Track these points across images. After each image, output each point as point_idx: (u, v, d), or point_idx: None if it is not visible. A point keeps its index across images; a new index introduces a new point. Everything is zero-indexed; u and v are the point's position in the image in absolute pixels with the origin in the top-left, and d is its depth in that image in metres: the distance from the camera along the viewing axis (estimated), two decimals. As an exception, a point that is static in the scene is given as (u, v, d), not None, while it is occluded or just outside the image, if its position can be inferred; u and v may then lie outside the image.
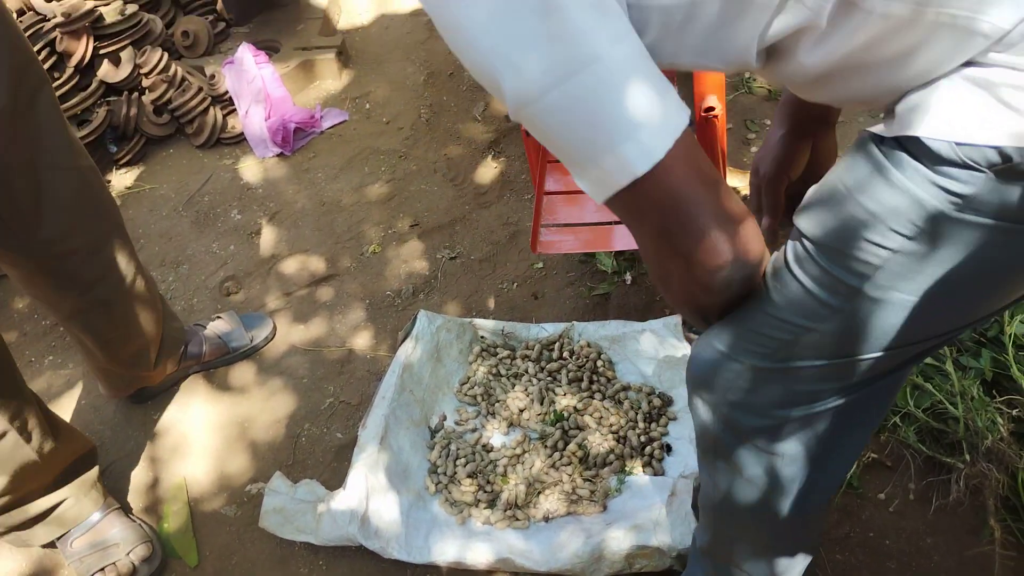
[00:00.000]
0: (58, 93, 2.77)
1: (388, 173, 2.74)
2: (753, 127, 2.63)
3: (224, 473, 2.01)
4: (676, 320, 1.93)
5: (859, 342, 0.86)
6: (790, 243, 0.87)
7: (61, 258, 1.69)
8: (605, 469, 1.80)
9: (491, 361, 2.02)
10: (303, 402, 2.13)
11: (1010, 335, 1.67)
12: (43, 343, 2.38)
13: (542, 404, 1.91)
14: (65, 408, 2.19)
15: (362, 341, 2.24)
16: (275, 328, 2.30)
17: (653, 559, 1.59)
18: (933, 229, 0.75)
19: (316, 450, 2.02)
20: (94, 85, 2.91)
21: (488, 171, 2.67)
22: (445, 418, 1.96)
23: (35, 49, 2.56)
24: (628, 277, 2.21)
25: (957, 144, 0.71)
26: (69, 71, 2.85)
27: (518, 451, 1.84)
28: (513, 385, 1.97)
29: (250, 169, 2.87)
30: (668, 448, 1.82)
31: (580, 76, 0.71)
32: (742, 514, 1.14)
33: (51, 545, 1.87)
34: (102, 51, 2.90)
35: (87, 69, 2.93)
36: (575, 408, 1.90)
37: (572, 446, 1.82)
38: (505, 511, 1.75)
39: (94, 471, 1.86)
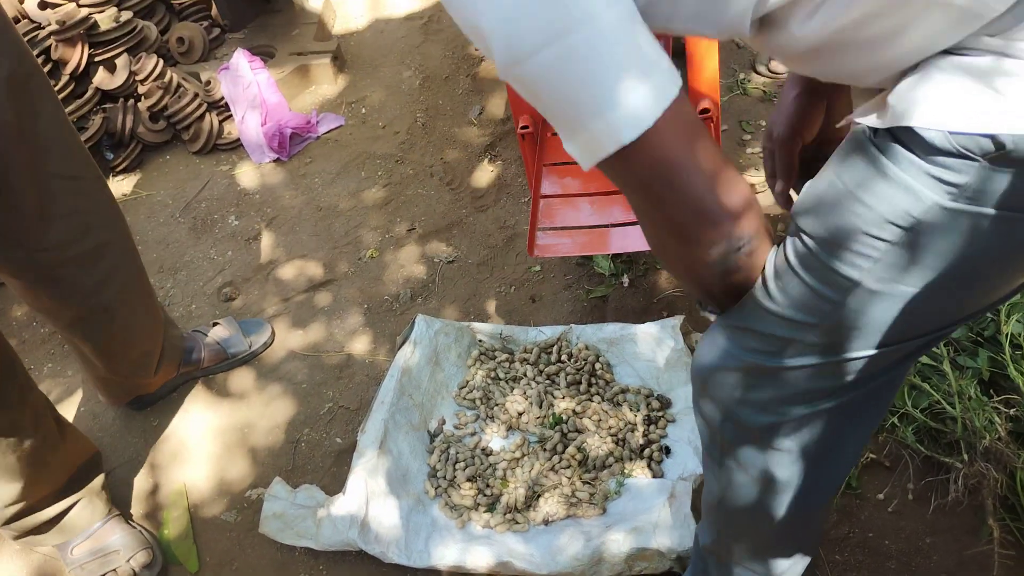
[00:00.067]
0: (54, 100, 2.76)
1: (385, 177, 2.75)
2: (748, 128, 2.64)
3: (224, 479, 2.01)
4: (674, 322, 1.93)
5: (861, 336, 0.86)
6: (789, 239, 0.87)
7: (63, 265, 1.69)
8: (604, 472, 1.80)
9: (490, 365, 2.02)
10: (302, 407, 2.13)
11: (1007, 334, 1.67)
12: (42, 351, 2.38)
13: (541, 407, 1.91)
14: (65, 415, 2.17)
15: (360, 346, 2.25)
16: (273, 334, 2.30)
17: (653, 561, 1.59)
18: (929, 220, 0.76)
19: (315, 455, 2.02)
20: (90, 92, 2.91)
21: (485, 175, 2.67)
22: (444, 422, 1.96)
23: (31, 57, 2.56)
24: (625, 279, 2.21)
25: (951, 133, 0.72)
26: (64, 78, 2.85)
27: (517, 454, 1.84)
28: (512, 388, 1.97)
29: (247, 175, 2.87)
30: (667, 450, 1.82)
31: (571, 36, 0.70)
32: (745, 512, 1.15)
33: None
34: (97, 58, 2.91)
35: (82, 76, 2.93)
36: (574, 411, 1.90)
37: (571, 449, 1.82)
38: (505, 514, 1.75)
39: (100, 478, 1.87)
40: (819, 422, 0.99)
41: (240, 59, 2.95)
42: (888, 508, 1.70)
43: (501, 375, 2.00)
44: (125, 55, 2.94)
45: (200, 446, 2.09)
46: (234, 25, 3.30)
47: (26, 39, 2.76)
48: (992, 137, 0.70)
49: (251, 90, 2.91)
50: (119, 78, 2.92)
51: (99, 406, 2.19)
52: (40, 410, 1.70)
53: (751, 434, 1.03)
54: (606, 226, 1.97)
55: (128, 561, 1.81)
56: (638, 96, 0.72)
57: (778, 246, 0.91)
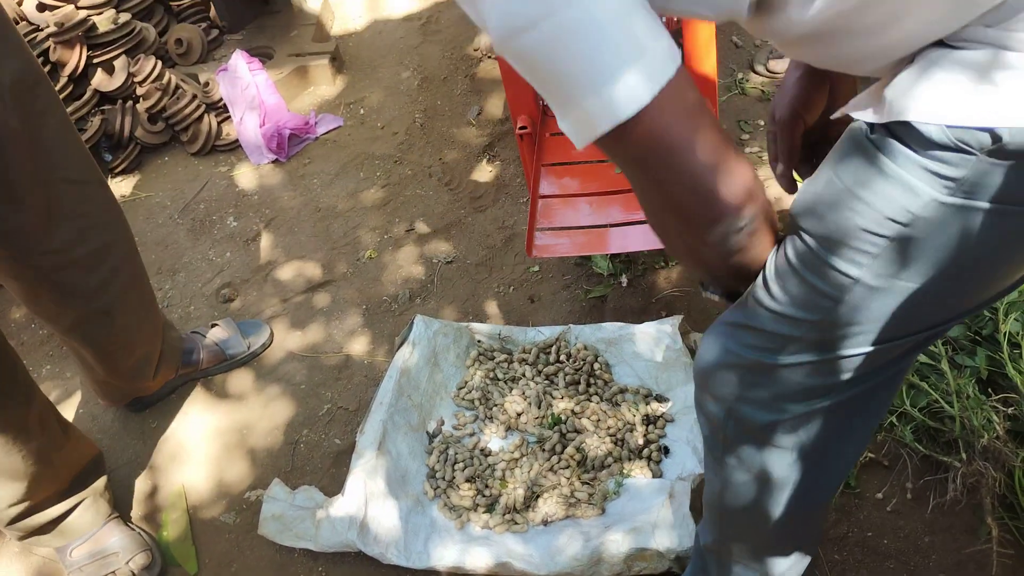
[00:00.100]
0: (52, 102, 2.76)
1: (383, 178, 2.75)
2: (747, 128, 2.64)
3: (223, 480, 2.01)
4: (672, 322, 1.93)
5: (861, 333, 0.87)
6: (788, 238, 0.88)
7: (65, 268, 1.70)
8: (603, 472, 1.80)
9: (488, 365, 2.02)
10: (301, 408, 2.13)
11: (1005, 333, 1.67)
12: (40, 352, 2.38)
13: (540, 408, 1.91)
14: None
15: (359, 347, 2.25)
16: (272, 335, 2.30)
17: (652, 562, 1.59)
18: (927, 216, 0.76)
19: (314, 456, 2.02)
20: (88, 94, 2.91)
21: (483, 175, 2.67)
22: (443, 423, 1.96)
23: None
24: (624, 279, 2.21)
25: (948, 127, 0.72)
26: (63, 80, 2.85)
27: (516, 455, 1.84)
28: (510, 389, 1.97)
29: (245, 176, 2.87)
30: (666, 450, 1.82)
31: (568, 11, 0.69)
32: (746, 511, 1.15)
33: None
34: (95, 60, 2.91)
35: (81, 78, 2.93)
36: (572, 411, 1.90)
37: (570, 449, 1.82)
38: (504, 515, 1.75)
39: (103, 479, 1.87)
40: (820, 420, 0.99)
41: (238, 60, 2.95)
42: (887, 507, 1.70)
43: (500, 375, 2.00)
44: (123, 57, 2.94)
45: (199, 448, 2.09)
46: (232, 26, 3.30)
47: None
48: (989, 130, 0.70)
49: (249, 91, 2.91)
50: (117, 80, 2.92)
51: (98, 408, 2.19)
52: (44, 411, 1.71)
53: (752, 432, 1.03)
54: (604, 226, 1.97)
55: (127, 563, 1.82)
56: (634, 73, 0.71)
57: (778, 245, 0.91)
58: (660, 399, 1.90)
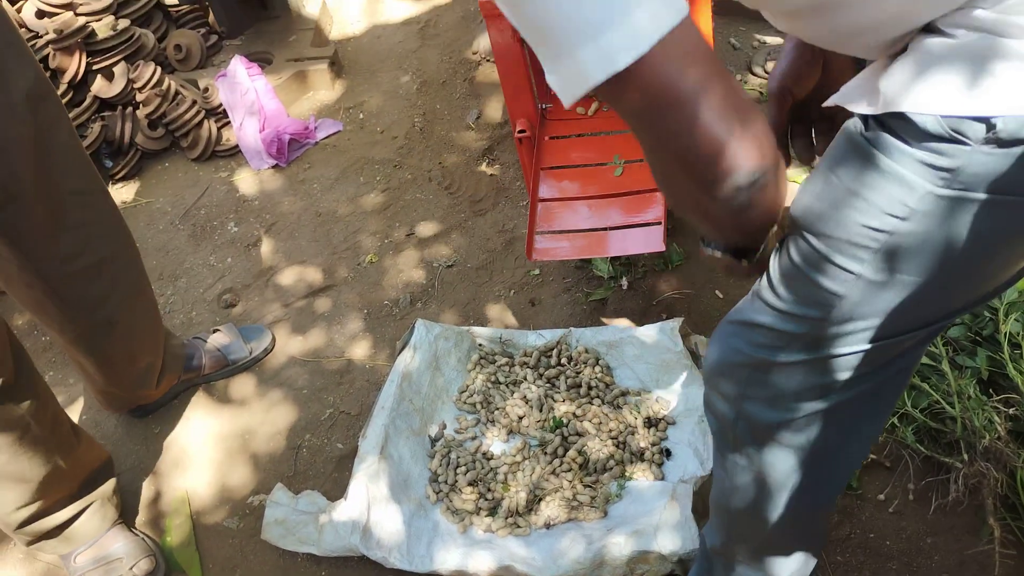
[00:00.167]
0: (52, 109, 2.77)
1: (383, 182, 2.75)
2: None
3: (226, 486, 2.02)
4: (673, 324, 1.93)
5: (865, 328, 0.88)
6: (791, 238, 0.89)
7: (71, 278, 1.72)
8: (605, 475, 1.80)
9: (489, 369, 2.03)
10: (303, 413, 2.13)
11: (1005, 333, 1.67)
12: (43, 359, 2.39)
13: (541, 411, 1.92)
14: (65, 424, 2.19)
15: (361, 351, 2.25)
16: (274, 340, 2.30)
17: (654, 564, 1.59)
18: (924, 209, 0.77)
19: (317, 461, 2.02)
20: (88, 101, 2.92)
21: (483, 179, 2.68)
22: (445, 427, 1.96)
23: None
24: (624, 282, 2.22)
25: (943, 117, 0.72)
26: (63, 87, 2.85)
27: (518, 458, 1.85)
28: (512, 392, 1.98)
29: (246, 181, 2.88)
30: (667, 452, 1.82)
31: None
32: (756, 510, 1.15)
33: None
34: (95, 67, 2.91)
35: (80, 85, 2.93)
36: (574, 414, 1.90)
37: (572, 452, 1.82)
38: (506, 518, 1.76)
39: (112, 482, 1.88)
40: (826, 419, 1.00)
41: (238, 66, 2.95)
42: (889, 508, 1.70)
43: (501, 379, 2.00)
44: (123, 63, 2.95)
45: (202, 453, 2.09)
46: (231, 32, 3.30)
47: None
48: (983, 119, 0.71)
49: (249, 96, 2.91)
50: (117, 86, 2.92)
51: (101, 414, 2.19)
52: (56, 414, 1.73)
53: (761, 431, 1.04)
54: (604, 229, 1.97)
55: (131, 569, 1.82)
56: (635, 19, 0.68)
57: (780, 246, 0.92)
58: (661, 401, 1.90)
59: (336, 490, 1.93)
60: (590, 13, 0.68)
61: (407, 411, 1.92)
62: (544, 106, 2.22)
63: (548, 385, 1.98)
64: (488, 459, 1.87)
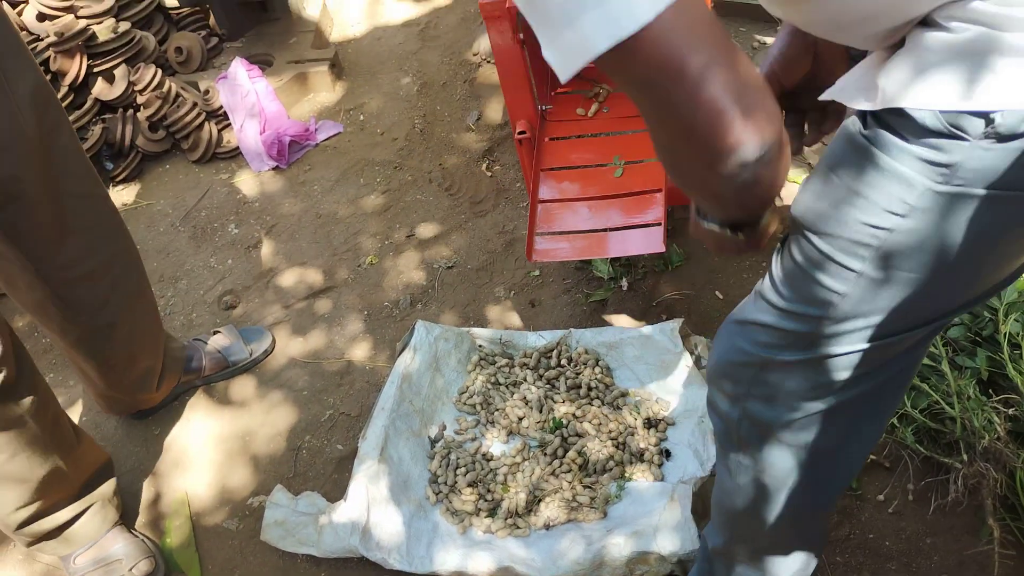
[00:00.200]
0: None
1: (383, 184, 2.75)
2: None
3: (225, 487, 2.02)
4: (673, 325, 1.93)
5: (867, 327, 0.88)
6: (792, 238, 0.89)
7: (74, 282, 1.73)
8: (605, 476, 1.80)
9: (489, 370, 2.03)
10: (303, 414, 2.13)
11: (1005, 334, 1.67)
12: (43, 361, 2.39)
13: (541, 412, 1.92)
14: (66, 425, 2.19)
15: (361, 352, 2.25)
16: (274, 341, 2.30)
17: (654, 565, 1.59)
18: (923, 205, 0.77)
19: (317, 462, 2.02)
20: (89, 103, 2.92)
21: (483, 180, 2.68)
22: (445, 428, 1.96)
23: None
24: (624, 283, 2.22)
25: (941, 112, 0.73)
26: (63, 90, 2.86)
27: (518, 459, 1.85)
28: (512, 393, 1.98)
29: (246, 183, 2.88)
30: (667, 453, 1.82)
31: None
32: (759, 510, 1.15)
33: None
34: (96, 69, 2.92)
35: (81, 87, 2.94)
36: (574, 415, 1.90)
37: (571, 453, 1.82)
38: (506, 519, 1.76)
39: (112, 483, 1.88)
40: (830, 418, 1.00)
41: (238, 68, 2.96)
42: (888, 509, 1.70)
43: (501, 380, 2.00)
44: (124, 65, 2.95)
45: (201, 454, 2.10)
46: (232, 34, 3.31)
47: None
48: (981, 114, 0.71)
49: (249, 98, 2.92)
50: (118, 88, 2.93)
51: (100, 416, 2.20)
52: (57, 415, 1.73)
53: (765, 430, 1.04)
54: (604, 230, 1.97)
55: (131, 570, 1.82)
56: None
57: (782, 246, 0.92)
58: (661, 402, 1.90)
59: (336, 491, 1.93)
60: None
61: (407, 412, 1.92)
62: (544, 107, 2.22)
63: (548, 386, 1.98)
64: (488, 460, 1.87)
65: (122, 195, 2.93)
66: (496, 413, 1.94)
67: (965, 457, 1.61)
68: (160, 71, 2.97)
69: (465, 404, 1.99)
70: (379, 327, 2.31)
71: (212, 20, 3.31)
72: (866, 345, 0.90)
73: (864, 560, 1.65)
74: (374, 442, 1.83)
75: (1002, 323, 1.69)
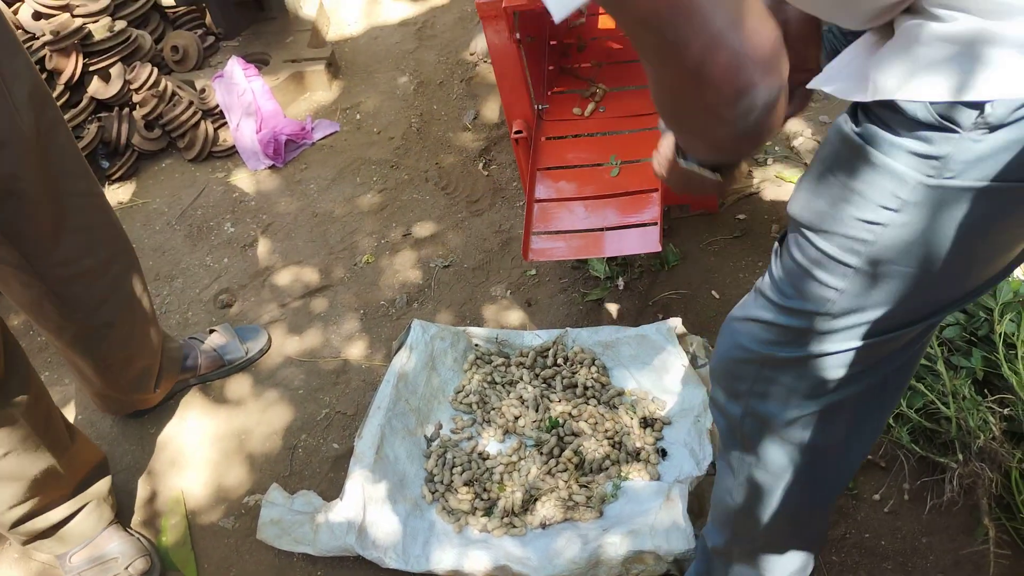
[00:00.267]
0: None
1: (380, 183, 2.75)
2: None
3: (221, 485, 2.02)
4: (670, 324, 1.93)
5: (865, 322, 0.88)
6: (790, 236, 0.89)
7: (70, 281, 1.73)
8: (601, 475, 1.80)
9: (486, 369, 2.03)
10: (299, 413, 2.13)
11: (1000, 334, 1.68)
12: (39, 359, 2.39)
13: (537, 411, 1.92)
14: (61, 424, 2.19)
15: (357, 351, 2.25)
16: (270, 340, 2.30)
17: (650, 564, 1.59)
18: (915, 199, 0.77)
19: (313, 461, 2.02)
20: (84, 102, 2.92)
21: (479, 179, 2.68)
22: (441, 427, 1.96)
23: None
24: (620, 283, 2.22)
25: (932, 104, 0.73)
26: (59, 88, 2.86)
27: (514, 458, 1.85)
28: (508, 392, 1.98)
29: (242, 182, 2.88)
30: (663, 453, 1.82)
31: None
32: (760, 508, 1.16)
33: None
34: (92, 68, 2.91)
35: (77, 86, 2.94)
36: (570, 414, 1.90)
37: (568, 452, 1.82)
38: (502, 518, 1.76)
39: (107, 481, 1.88)
40: (832, 416, 1.01)
41: (234, 67, 2.95)
42: (884, 508, 1.71)
43: (497, 379, 2.00)
44: (119, 64, 2.95)
45: (197, 453, 2.09)
46: (228, 33, 3.31)
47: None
48: (973, 105, 0.71)
49: (246, 97, 2.91)
50: (114, 87, 2.92)
51: (96, 414, 2.19)
52: (51, 413, 1.73)
53: (768, 429, 1.05)
54: (600, 230, 1.98)
55: (127, 568, 1.82)
56: None
57: (780, 245, 0.93)
58: (657, 402, 1.90)
59: (332, 490, 1.92)
60: None
61: (403, 411, 1.92)
62: (540, 107, 2.22)
63: (544, 385, 1.98)
64: (484, 459, 1.87)
65: (118, 193, 2.93)
66: (492, 412, 1.94)
67: (960, 457, 1.61)
68: (156, 70, 2.96)
69: (461, 403, 1.99)
70: (375, 326, 2.31)
71: (208, 19, 3.31)
72: (863, 342, 0.91)
73: (860, 559, 1.65)
74: (370, 441, 1.83)
75: (997, 323, 1.69)
